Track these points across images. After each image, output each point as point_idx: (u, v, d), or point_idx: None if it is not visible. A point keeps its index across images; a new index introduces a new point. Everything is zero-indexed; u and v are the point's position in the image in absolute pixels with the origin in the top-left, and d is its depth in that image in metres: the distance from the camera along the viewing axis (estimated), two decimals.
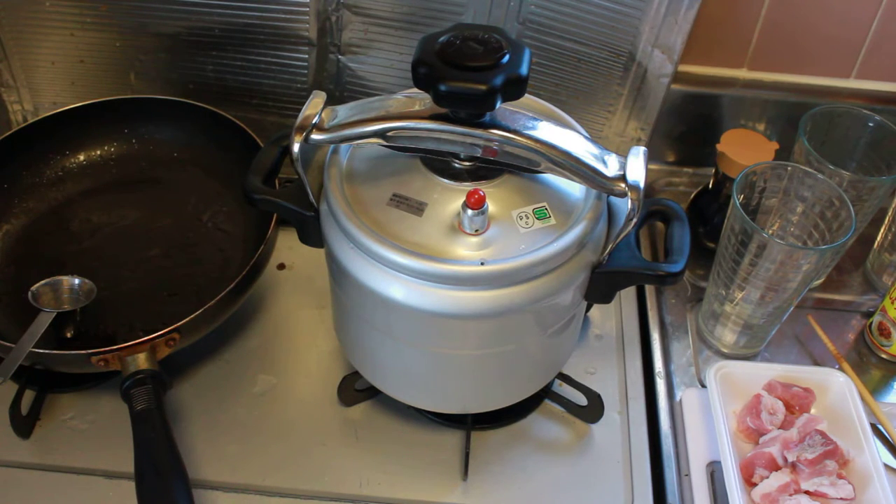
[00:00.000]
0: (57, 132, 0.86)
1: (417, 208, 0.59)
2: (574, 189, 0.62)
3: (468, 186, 0.59)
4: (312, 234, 0.65)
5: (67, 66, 0.89)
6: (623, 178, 0.56)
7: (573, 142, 0.57)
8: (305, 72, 0.86)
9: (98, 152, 0.89)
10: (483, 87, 0.53)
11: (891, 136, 0.80)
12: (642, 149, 0.57)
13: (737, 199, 0.71)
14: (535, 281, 0.57)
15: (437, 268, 0.56)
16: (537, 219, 0.59)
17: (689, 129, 0.94)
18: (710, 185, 0.89)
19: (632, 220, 0.57)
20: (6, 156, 0.83)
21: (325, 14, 0.81)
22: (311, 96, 0.60)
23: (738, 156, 0.84)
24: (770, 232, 0.78)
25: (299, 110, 0.58)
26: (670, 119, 0.92)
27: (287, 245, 0.90)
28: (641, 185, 0.55)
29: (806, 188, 0.74)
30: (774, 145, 0.86)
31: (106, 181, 0.88)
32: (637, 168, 0.56)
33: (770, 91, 0.91)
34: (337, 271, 0.62)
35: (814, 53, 0.89)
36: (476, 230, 0.58)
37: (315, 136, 0.58)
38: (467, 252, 0.57)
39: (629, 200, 0.56)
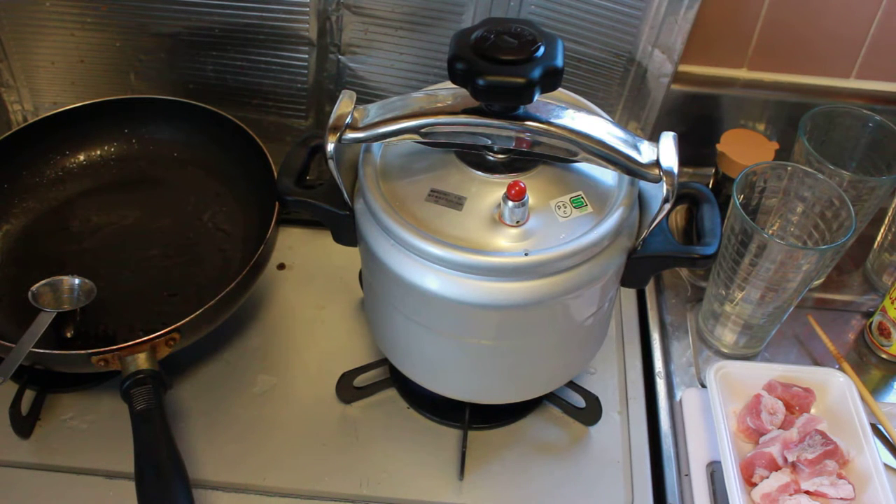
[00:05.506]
0: (57, 132, 0.86)
1: (457, 202, 0.59)
2: (606, 176, 0.62)
3: (505, 179, 0.60)
4: (346, 234, 0.65)
5: (67, 66, 0.89)
6: (657, 164, 0.56)
7: (606, 130, 0.58)
8: (305, 72, 0.86)
9: (98, 152, 0.89)
10: (522, 80, 0.53)
11: (891, 136, 0.80)
12: (672, 134, 0.58)
13: (737, 199, 0.71)
14: (575, 269, 0.58)
15: (482, 260, 0.56)
16: (575, 207, 0.59)
17: (689, 129, 0.94)
18: (710, 185, 0.89)
19: (666, 204, 0.57)
20: (6, 156, 0.83)
21: (325, 14, 0.81)
22: (342, 96, 0.60)
23: (738, 156, 0.84)
24: (770, 232, 0.78)
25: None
26: (670, 119, 0.91)
27: (287, 245, 0.90)
28: (675, 170, 0.56)
29: (806, 188, 0.74)
30: (774, 145, 0.86)
31: (106, 181, 0.88)
32: (670, 154, 0.56)
33: (770, 91, 0.91)
34: (375, 268, 0.62)
35: (814, 53, 0.89)
36: (517, 221, 0.58)
37: (349, 136, 0.58)
38: (509, 243, 0.57)
39: (663, 185, 0.56)
